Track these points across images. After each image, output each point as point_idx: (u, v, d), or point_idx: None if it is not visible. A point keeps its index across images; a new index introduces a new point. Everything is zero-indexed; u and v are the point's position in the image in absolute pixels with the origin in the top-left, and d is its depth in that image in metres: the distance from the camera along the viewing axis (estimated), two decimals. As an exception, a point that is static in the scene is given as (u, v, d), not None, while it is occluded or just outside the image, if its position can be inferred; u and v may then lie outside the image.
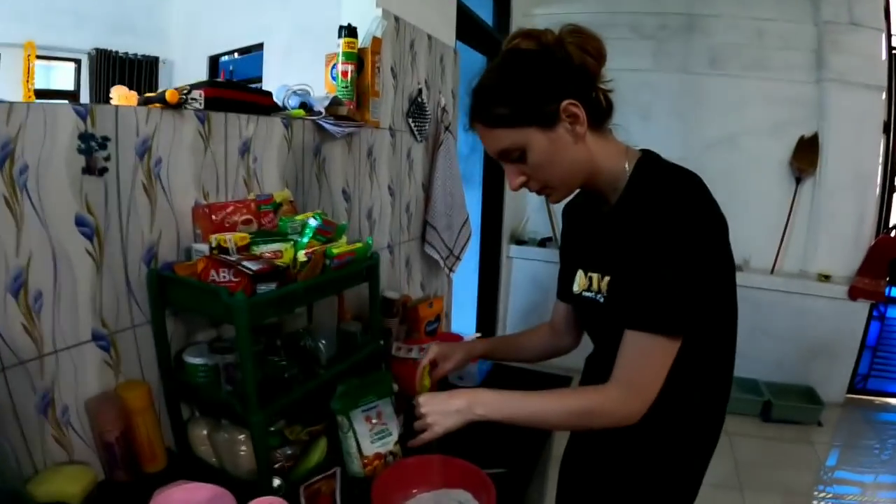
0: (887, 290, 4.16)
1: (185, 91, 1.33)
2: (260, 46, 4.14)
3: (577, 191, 1.26)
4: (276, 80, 3.92)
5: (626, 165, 1.17)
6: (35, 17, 4.20)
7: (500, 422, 1.16)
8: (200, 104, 1.36)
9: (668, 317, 1.05)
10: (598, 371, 1.19)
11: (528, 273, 4.64)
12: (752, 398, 4.12)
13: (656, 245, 1.04)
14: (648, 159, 1.19)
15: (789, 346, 4.32)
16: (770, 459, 3.58)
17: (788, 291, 4.28)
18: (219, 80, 1.46)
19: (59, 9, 4.38)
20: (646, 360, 1.08)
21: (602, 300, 1.21)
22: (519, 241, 4.77)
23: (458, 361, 1.48)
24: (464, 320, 4.45)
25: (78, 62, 4.66)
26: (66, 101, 1.12)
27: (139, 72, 4.82)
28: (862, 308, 4.22)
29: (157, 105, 1.29)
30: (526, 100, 1.08)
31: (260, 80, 4.13)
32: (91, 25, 4.59)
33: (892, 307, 4.38)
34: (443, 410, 1.16)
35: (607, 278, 1.20)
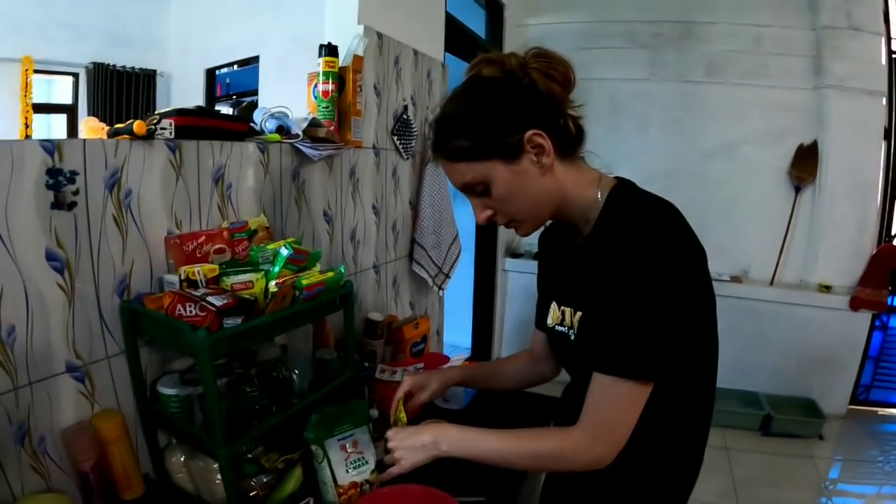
0: (889, 299, 4.12)
1: (154, 121, 1.33)
2: (256, 59, 4.17)
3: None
4: (271, 91, 3.98)
5: (599, 195, 1.13)
6: (32, 31, 4.25)
7: (465, 458, 1.14)
8: (171, 133, 1.35)
9: (637, 361, 1.01)
10: (573, 403, 1.16)
11: (524, 286, 4.59)
12: (752, 412, 4.08)
13: (625, 284, 1.00)
14: (622, 189, 1.15)
15: (790, 358, 4.27)
16: (769, 475, 3.53)
17: (789, 303, 4.23)
18: (188, 108, 1.44)
19: (57, 23, 4.42)
20: (613, 404, 1.05)
21: (573, 337, 1.18)
22: (514, 255, 4.75)
23: (435, 391, 1.45)
24: (459, 335, 4.47)
25: (76, 76, 4.70)
26: (35, 140, 1.12)
27: (136, 85, 4.86)
28: (864, 318, 4.18)
29: (126, 136, 1.29)
30: (487, 132, 1.05)
31: (256, 92, 4.16)
32: (89, 39, 4.64)
33: (895, 317, 4.34)
34: (410, 445, 1.16)
35: (579, 314, 1.16)
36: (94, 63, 4.69)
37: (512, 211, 1.13)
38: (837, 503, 3.32)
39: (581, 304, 1.16)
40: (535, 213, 1.14)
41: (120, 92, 4.78)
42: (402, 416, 1.41)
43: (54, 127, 4.66)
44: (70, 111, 4.72)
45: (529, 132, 1.05)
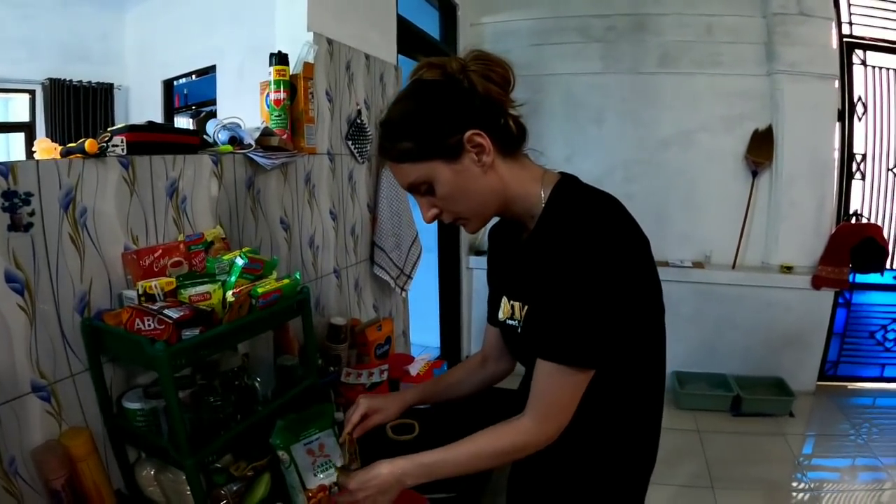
0: (850, 276, 4.21)
1: (105, 139, 1.34)
2: (213, 69, 4.16)
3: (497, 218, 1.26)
4: (229, 101, 3.96)
5: (542, 192, 1.16)
6: (-15, 50, 4.19)
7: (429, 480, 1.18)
8: (123, 150, 1.36)
9: (576, 349, 1.05)
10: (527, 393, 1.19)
11: None
12: (722, 393, 4.15)
13: (564, 275, 1.03)
14: (565, 184, 1.18)
15: (756, 340, 4.35)
16: (742, 455, 3.58)
17: (752, 285, 4.30)
18: (139, 123, 1.45)
19: (11, 40, 4.36)
20: (556, 390, 1.09)
21: (520, 329, 1.21)
22: (478, 252, 4.76)
23: (391, 413, 1.45)
24: (426, 334, 4.47)
25: (32, 93, 4.64)
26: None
27: (94, 99, 4.80)
28: (827, 296, 4.28)
29: (79, 155, 1.29)
30: (428, 133, 1.08)
31: (214, 102, 4.15)
32: (44, 55, 4.57)
33: (857, 293, 4.45)
34: (379, 488, 1.16)
35: (526, 307, 1.20)
36: (51, 79, 4.63)
37: (457, 209, 1.15)
38: (812, 477, 3.39)
39: (528, 298, 1.19)
40: (479, 211, 1.16)
41: (77, 107, 4.72)
42: (354, 451, 1.40)
43: (12, 146, 4.60)
44: (28, 129, 4.66)
45: (469, 132, 1.07)
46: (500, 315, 1.31)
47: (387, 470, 1.16)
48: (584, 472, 1.25)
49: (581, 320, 1.04)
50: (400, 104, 1.14)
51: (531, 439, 1.12)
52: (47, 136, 4.36)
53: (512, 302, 1.25)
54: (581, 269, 1.02)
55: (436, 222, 1.20)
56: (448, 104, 1.09)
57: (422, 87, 1.12)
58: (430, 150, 1.09)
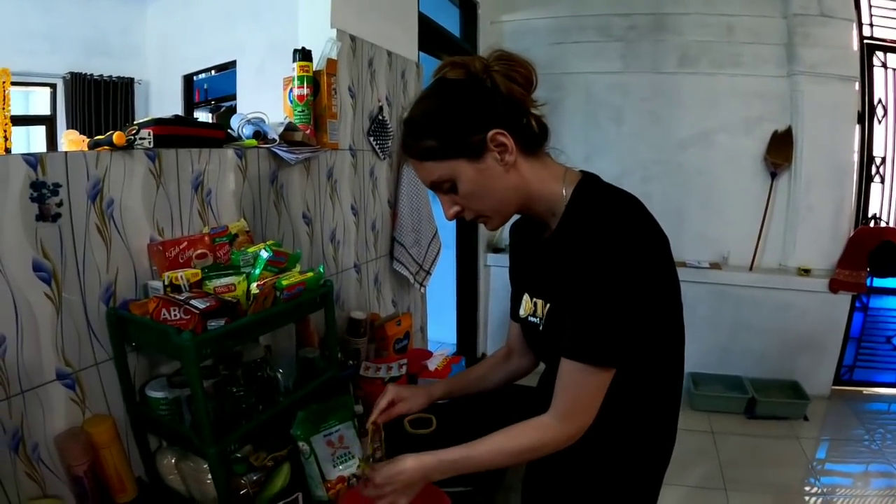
0: (868, 280, 4.17)
1: (133, 131, 1.35)
2: (233, 64, 4.17)
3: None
4: (250, 96, 3.98)
5: (564, 190, 1.17)
6: (8, 43, 4.21)
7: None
8: (150, 143, 1.38)
9: (600, 348, 1.06)
10: (547, 391, 1.19)
11: (506, 281, 4.39)
12: (736, 395, 4.12)
13: (588, 274, 1.04)
14: (586, 183, 1.18)
15: (772, 342, 4.32)
16: (756, 458, 3.56)
17: (769, 287, 4.27)
18: (166, 117, 1.47)
19: (33, 34, 4.39)
20: (580, 389, 1.10)
21: (542, 327, 1.22)
22: (496, 250, 4.75)
23: (417, 405, 1.46)
24: (444, 330, 4.47)
25: (53, 87, 4.67)
26: (18, 154, 1.14)
27: (115, 93, 4.84)
28: (844, 300, 4.23)
29: (106, 148, 1.31)
30: (451, 132, 1.09)
31: (234, 97, 4.16)
32: (66, 49, 4.61)
33: (875, 297, 4.40)
34: (405, 483, 1.17)
35: (548, 305, 1.21)
36: (72, 73, 4.66)
37: (478, 207, 1.17)
38: (826, 482, 3.35)
39: (550, 296, 1.20)
40: (500, 209, 1.18)
41: (98, 101, 4.75)
42: (380, 446, 1.39)
43: (33, 139, 4.64)
44: (49, 122, 4.69)
45: (492, 132, 1.08)
46: (522, 312, 1.31)
47: (412, 465, 1.17)
48: (601, 469, 1.26)
49: (605, 319, 1.05)
50: (423, 103, 1.15)
51: (554, 438, 1.13)
52: (68, 129, 4.38)
53: (534, 299, 1.26)
54: (605, 269, 1.03)
55: (455, 221, 1.21)
56: (471, 103, 1.10)
57: (445, 86, 1.13)
58: (454, 149, 1.10)
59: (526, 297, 1.30)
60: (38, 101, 4.74)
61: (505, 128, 1.09)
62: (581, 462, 1.25)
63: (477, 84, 1.10)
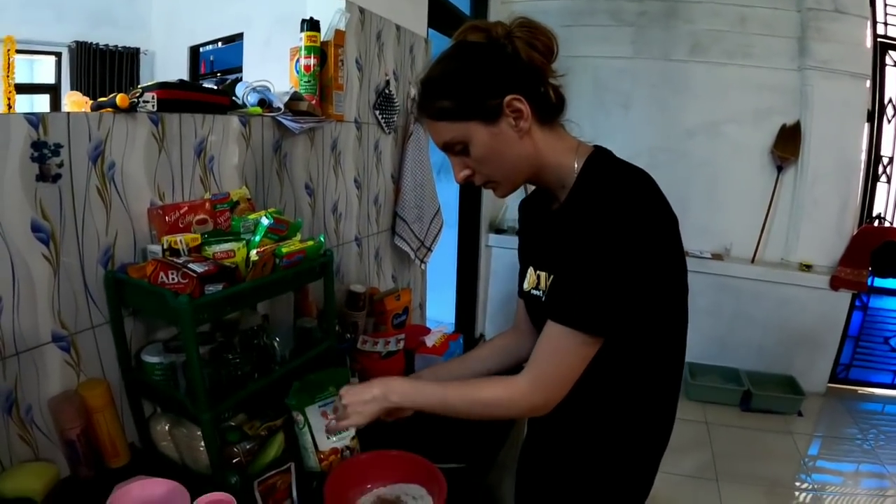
0: (869, 279, 4.17)
1: (136, 94, 1.34)
2: (240, 36, 4.14)
3: (533, 187, 1.27)
4: (256, 68, 3.94)
5: (575, 163, 1.16)
6: (14, 11, 4.18)
7: (415, 409, 1.20)
8: (153, 106, 1.37)
9: (588, 314, 1.04)
10: None
11: (508, 262, 4.56)
12: (732, 387, 4.13)
13: (588, 242, 1.03)
14: (599, 156, 1.17)
15: (770, 336, 4.33)
16: (749, 450, 3.57)
17: (770, 281, 4.26)
18: (171, 81, 1.46)
19: (39, 3, 4.36)
20: (559, 354, 1.08)
21: (544, 299, 1.19)
22: (498, 230, 4.73)
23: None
24: (443, 311, 4.46)
25: (59, 55, 4.64)
26: (20, 113, 1.13)
27: (120, 63, 4.80)
28: (844, 298, 4.23)
29: (109, 110, 1.30)
30: (468, 94, 1.08)
31: (240, 69, 4.13)
32: (71, 18, 4.57)
33: (875, 297, 4.39)
34: (360, 399, 1.18)
35: (552, 277, 1.18)
36: (77, 42, 4.63)
37: (489, 171, 1.15)
38: (817, 479, 3.36)
39: (553, 268, 1.18)
40: (511, 175, 1.17)
41: (103, 71, 4.72)
42: None
43: (37, 107, 4.61)
44: (53, 91, 4.66)
45: (509, 97, 1.07)
46: (525, 285, 1.30)
47: (377, 383, 1.21)
48: (597, 451, 1.25)
49: (597, 287, 1.04)
50: (442, 63, 1.13)
51: (518, 400, 1.11)
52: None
53: (538, 272, 1.24)
54: (605, 238, 1.02)
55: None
56: (490, 67, 1.08)
57: (465, 49, 1.12)
58: (469, 111, 1.08)
59: (531, 270, 1.28)
60: (42, 70, 4.71)
61: (522, 94, 1.08)
62: (578, 444, 1.25)
63: (497, 49, 1.09)
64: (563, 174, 1.17)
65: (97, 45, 4.68)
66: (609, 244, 1.02)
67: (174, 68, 4.71)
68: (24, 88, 4.45)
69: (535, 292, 1.25)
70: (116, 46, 4.74)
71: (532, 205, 1.38)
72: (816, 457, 3.68)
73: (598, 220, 1.03)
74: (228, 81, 4.07)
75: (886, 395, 4.47)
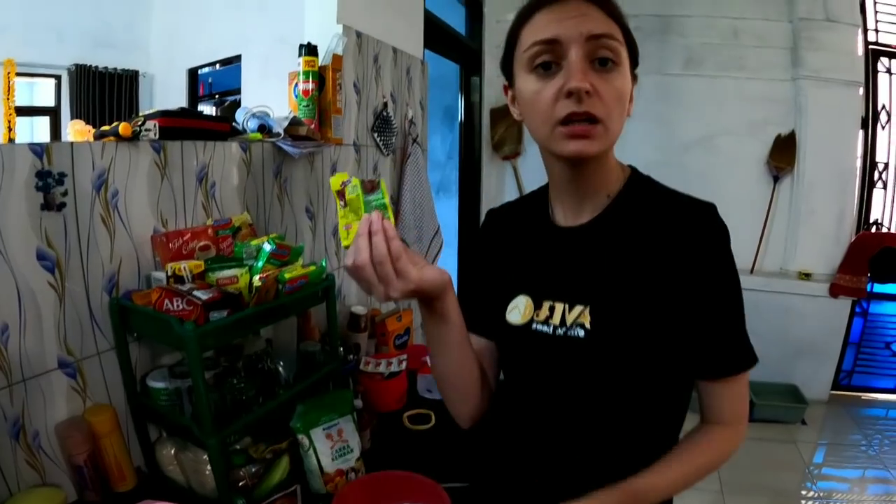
0: (869, 286, 4.18)
1: (139, 122, 1.36)
2: (238, 58, 4.17)
3: (505, 201, 1.18)
4: (254, 91, 3.98)
5: (623, 173, 1.05)
6: (14, 34, 4.22)
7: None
8: (155, 134, 1.38)
9: (751, 349, 0.98)
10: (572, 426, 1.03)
11: None
12: (735, 397, 4.11)
13: (719, 265, 0.94)
14: (642, 175, 1.07)
15: (771, 345, 4.26)
16: (753, 460, 3.55)
17: (769, 290, 4.27)
18: (172, 109, 1.47)
19: (39, 26, 4.40)
20: (744, 397, 1.04)
21: (583, 335, 0.97)
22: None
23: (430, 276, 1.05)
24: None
25: (58, 78, 4.68)
26: (24, 143, 1.15)
27: (119, 86, 4.84)
28: (844, 305, 4.24)
29: (112, 138, 1.32)
30: (633, 40, 0.97)
31: (239, 91, 4.16)
32: (71, 41, 4.61)
33: (875, 303, 4.40)
34: None
35: (585, 308, 0.98)
36: (77, 65, 4.66)
37: (605, 102, 0.91)
38: (823, 487, 3.35)
39: (590, 297, 0.99)
40: (611, 127, 0.93)
41: (102, 93, 4.75)
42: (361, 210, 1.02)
43: (37, 129, 4.64)
44: (53, 113, 4.70)
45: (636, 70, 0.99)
46: (518, 319, 1.07)
47: None
48: (618, 470, 1.03)
49: (742, 319, 0.98)
50: None
51: (733, 448, 1.05)
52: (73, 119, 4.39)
53: (550, 302, 1.03)
54: (728, 257, 0.95)
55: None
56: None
57: None
58: (632, 46, 0.97)
59: (524, 300, 1.07)
60: (42, 93, 4.74)
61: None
62: (602, 460, 1.04)
63: None
64: (613, 177, 1.04)
65: (97, 67, 4.73)
66: (731, 260, 0.96)
67: (173, 90, 4.76)
68: (24, 111, 4.48)
69: (541, 328, 1.03)
70: (116, 69, 4.78)
71: (512, 218, 1.19)
72: (822, 464, 3.67)
73: (717, 238, 0.95)
74: (227, 103, 4.10)
75: (889, 401, 4.46)
